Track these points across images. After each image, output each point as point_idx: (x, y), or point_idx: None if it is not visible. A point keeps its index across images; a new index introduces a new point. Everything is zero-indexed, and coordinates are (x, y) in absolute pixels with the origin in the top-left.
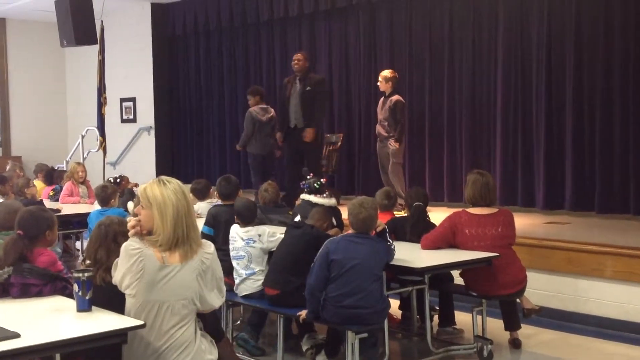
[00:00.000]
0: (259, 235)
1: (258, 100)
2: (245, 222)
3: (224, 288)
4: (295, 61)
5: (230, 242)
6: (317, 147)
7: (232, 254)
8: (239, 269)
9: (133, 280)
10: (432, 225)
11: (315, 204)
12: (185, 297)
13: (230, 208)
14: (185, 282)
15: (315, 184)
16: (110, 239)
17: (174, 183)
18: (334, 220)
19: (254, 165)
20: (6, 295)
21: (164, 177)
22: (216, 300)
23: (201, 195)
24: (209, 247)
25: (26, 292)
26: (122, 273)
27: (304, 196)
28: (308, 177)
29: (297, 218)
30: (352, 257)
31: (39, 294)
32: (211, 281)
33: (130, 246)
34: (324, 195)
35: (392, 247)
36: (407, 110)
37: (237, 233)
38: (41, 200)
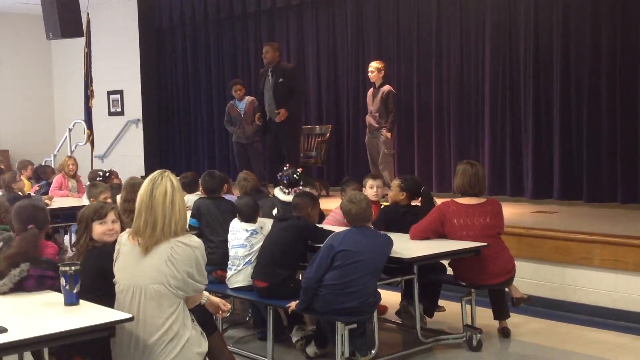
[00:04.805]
0: (261, 228)
1: None
2: (246, 220)
3: (205, 275)
4: (264, 53)
5: (231, 232)
6: (295, 135)
7: (232, 243)
8: (237, 259)
9: (115, 263)
10: None
11: (283, 202)
12: (157, 282)
13: (214, 202)
14: (154, 266)
15: (294, 175)
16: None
17: (151, 175)
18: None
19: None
20: (20, 290)
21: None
22: (198, 285)
23: (189, 188)
24: (188, 238)
25: (42, 284)
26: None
27: (277, 192)
28: (285, 168)
29: (274, 211)
30: (359, 251)
31: (52, 286)
32: (184, 268)
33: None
34: (295, 190)
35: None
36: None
37: (239, 225)
38: (29, 194)
